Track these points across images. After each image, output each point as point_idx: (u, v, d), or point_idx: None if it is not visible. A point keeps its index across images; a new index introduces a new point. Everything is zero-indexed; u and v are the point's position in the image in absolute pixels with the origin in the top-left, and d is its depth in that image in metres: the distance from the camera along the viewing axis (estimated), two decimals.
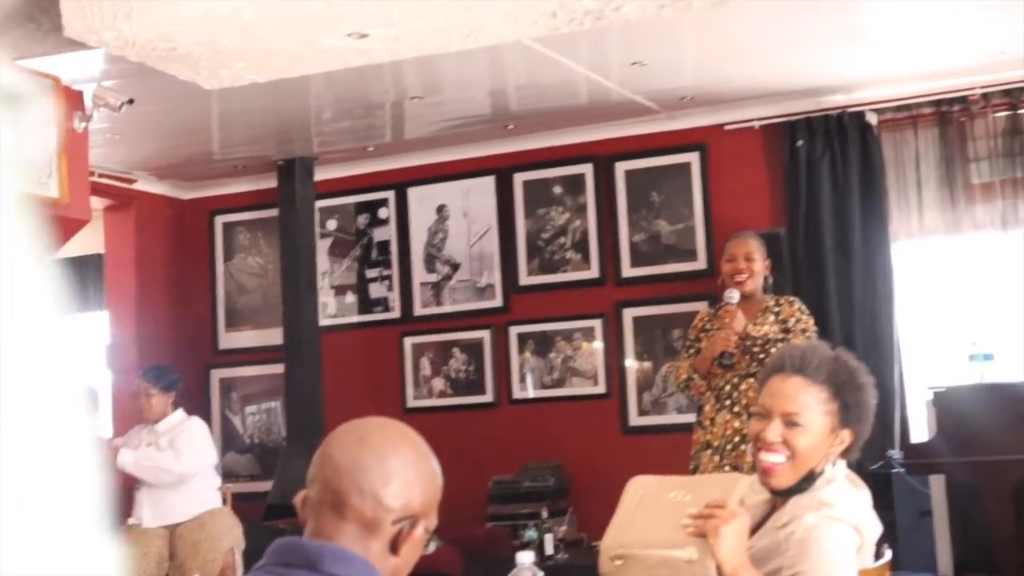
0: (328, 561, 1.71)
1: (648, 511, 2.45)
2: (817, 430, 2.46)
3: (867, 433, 2.54)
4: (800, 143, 6.84)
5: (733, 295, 4.83)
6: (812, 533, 2.37)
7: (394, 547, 1.76)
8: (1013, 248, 6.54)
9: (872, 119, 6.77)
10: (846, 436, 2.49)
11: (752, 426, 2.54)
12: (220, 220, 8.35)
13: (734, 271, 4.89)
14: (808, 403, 2.46)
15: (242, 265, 8.33)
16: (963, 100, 6.62)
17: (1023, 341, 6.37)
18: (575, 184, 7.51)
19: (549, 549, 6.35)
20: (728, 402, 4.79)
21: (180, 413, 6.03)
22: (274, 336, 7.86)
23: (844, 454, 2.54)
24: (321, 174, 7.85)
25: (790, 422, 2.45)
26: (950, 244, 6.64)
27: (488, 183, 7.70)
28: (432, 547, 1.88)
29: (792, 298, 5.00)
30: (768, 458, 2.46)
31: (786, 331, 4.79)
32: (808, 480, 2.47)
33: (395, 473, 1.76)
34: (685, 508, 2.35)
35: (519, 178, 7.64)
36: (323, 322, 7.83)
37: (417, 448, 1.83)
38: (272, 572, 1.73)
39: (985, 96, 6.58)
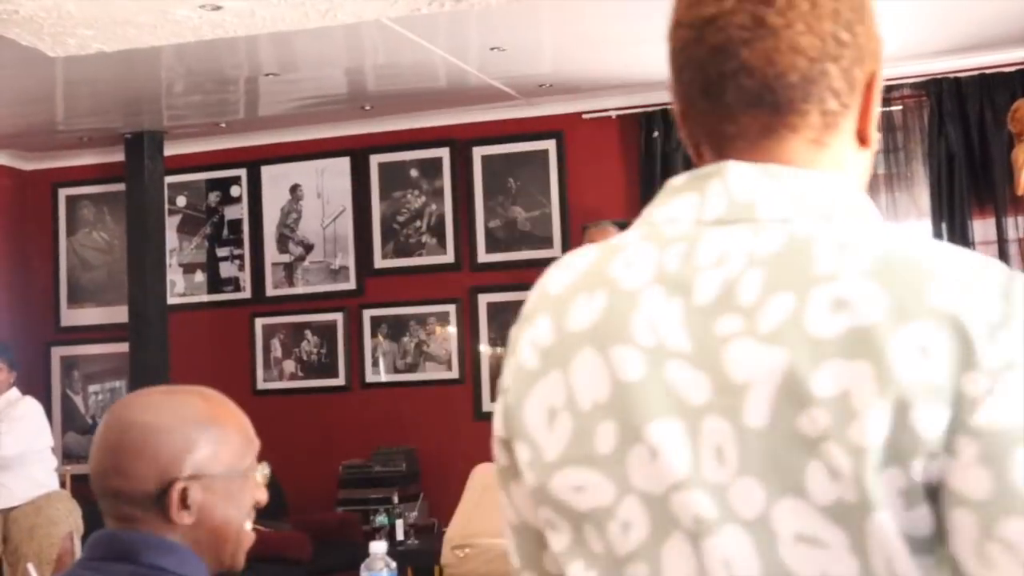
0: (144, 551, 1.67)
1: (491, 502, 2.43)
2: None
3: None
4: (656, 134, 6.92)
5: None
6: None
7: (176, 513, 1.70)
8: None
9: None
10: None
11: None
12: (63, 193, 8.08)
13: None
14: None
15: (86, 240, 8.08)
16: None
17: None
18: (432, 168, 7.46)
19: (400, 535, 6.31)
20: None
21: (15, 391, 5.80)
22: (119, 314, 7.64)
23: None
24: (171, 149, 7.64)
25: None
26: None
27: (343, 164, 7.61)
28: (260, 475, 1.82)
29: None
30: None
31: None
32: None
33: (135, 449, 1.70)
34: None
35: (375, 160, 7.57)
36: (171, 301, 7.65)
37: (146, 412, 1.74)
38: (89, 568, 1.67)
39: None
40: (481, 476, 2.54)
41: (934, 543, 0.93)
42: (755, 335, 0.96)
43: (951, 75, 6.51)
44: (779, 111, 1.05)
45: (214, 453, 1.74)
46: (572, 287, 1.08)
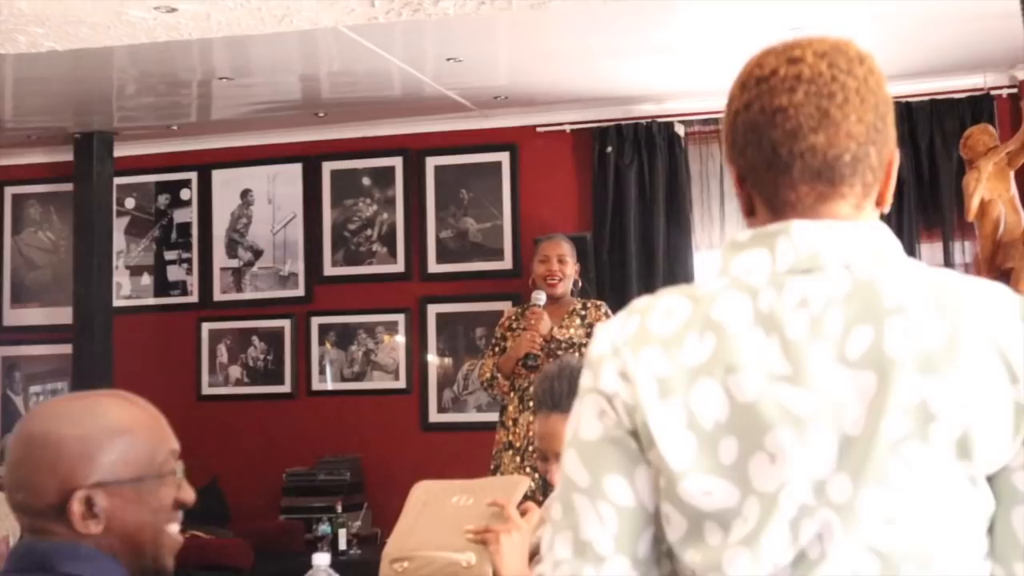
0: (60, 560, 1.65)
1: (430, 516, 2.43)
2: None
3: None
4: (609, 149, 6.93)
5: (540, 297, 4.84)
6: None
7: (81, 523, 1.68)
8: None
9: (680, 130, 6.92)
10: None
11: (539, 466, 2.55)
12: (9, 191, 7.98)
13: (547, 273, 4.90)
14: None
15: (32, 239, 7.98)
16: None
17: None
18: (384, 177, 7.44)
19: (342, 544, 6.27)
20: (531, 403, 4.81)
21: None
22: (63, 315, 7.53)
23: None
24: (121, 150, 7.56)
25: (558, 459, 2.47)
26: None
27: (295, 170, 7.57)
28: (179, 473, 1.80)
29: (599, 303, 5.05)
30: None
31: (591, 335, 4.82)
32: None
33: (35, 462, 1.68)
34: (467, 512, 2.34)
35: (327, 167, 7.53)
36: (116, 303, 7.56)
37: (48, 422, 1.71)
38: None
39: None
40: (422, 492, 2.53)
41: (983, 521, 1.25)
42: (845, 361, 1.24)
43: (902, 99, 6.57)
44: (833, 183, 1.35)
45: (121, 458, 1.71)
46: (682, 328, 1.32)
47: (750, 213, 1.42)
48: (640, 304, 1.42)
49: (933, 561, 1.22)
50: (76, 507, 1.67)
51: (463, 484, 2.49)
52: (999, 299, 1.28)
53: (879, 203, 1.42)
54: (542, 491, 4.47)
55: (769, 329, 1.28)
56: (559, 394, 2.49)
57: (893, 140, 1.42)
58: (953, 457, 1.21)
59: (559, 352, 4.75)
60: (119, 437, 1.72)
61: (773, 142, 1.35)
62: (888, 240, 1.37)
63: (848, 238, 1.33)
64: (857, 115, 1.35)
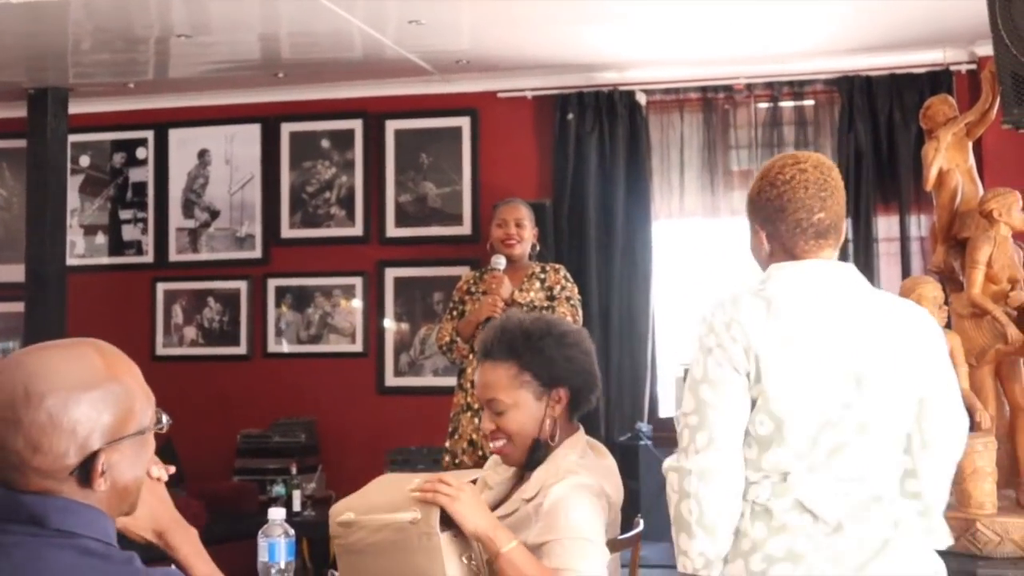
0: (53, 514, 1.60)
1: (381, 486, 2.44)
2: (522, 404, 2.49)
3: (589, 381, 2.57)
4: (570, 116, 6.92)
5: (500, 261, 4.83)
6: (560, 503, 2.38)
7: (97, 482, 1.65)
8: None
9: (641, 99, 6.91)
10: (562, 394, 2.52)
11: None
12: None
13: (505, 236, 4.88)
14: (501, 384, 2.51)
15: None
16: (728, 89, 6.84)
17: None
18: (343, 139, 7.40)
19: (297, 506, 6.27)
20: None
21: None
22: (15, 272, 7.45)
23: (575, 408, 2.57)
24: (76, 107, 7.46)
25: (494, 410, 2.51)
26: (708, 227, 6.85)
27: (254, 131, 7.51)
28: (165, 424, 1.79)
29: (557, 265, 5.05)
30: (493, 445, 2.53)
31: (551, 298, 4.82)
32: (538, 449, 2.49)
33: (50, 424, 1.61)
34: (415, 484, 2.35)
35: (286, 128, 7.47)
36: (70, 262, 7.48)
37: (49, 379, 1.63)
38: None
39: (749, 87, 6.81)
40: (384, 479, 2.55)
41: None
42: (870, 334, 2.30)
43: (863, 73, 6.61)
44: (828, 239, 2.40)
45: (125, 414, 1.67)
46: (767, 314, 2.29)
47: (771, 255, 2.43)
48: (730, 296, 2.37)
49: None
50: (99, 467, 1.63)
51: (424, 476, 2.50)
52: (923, 314, 2.42)
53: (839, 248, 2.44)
54: None
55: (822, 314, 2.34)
56: (491, 344, 2.53)
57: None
58: (904, 390, 2.30)
59: None
60: (121, 393, 1.68)
61: (797, 219, 2.37)
62: (858, 273, 2.41)
63: (845, 271, 2.39)
64: (840, 193, 2.42)
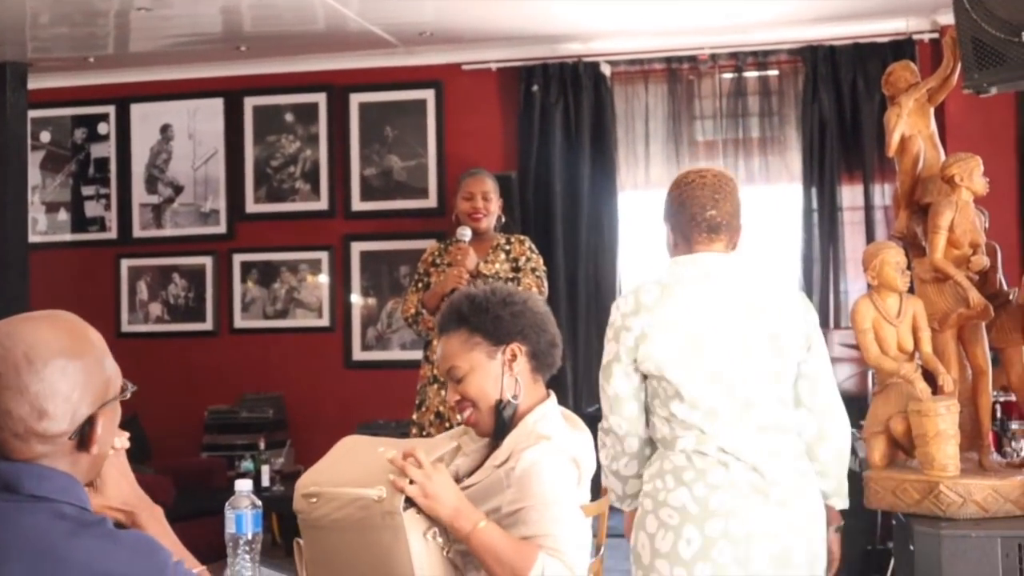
0: (27, 481, 1.62)
1: (348, 459, 2.44)
2: (477, 368, 2.50)
3: (544, 338, 2.58)
4: (535, 88, 6.91)
5: (465, 232, 4.81)
6: (533, 468, 2.39)
7: (88, 446, 1.69)
8: None
9: (606, 70, 6.91)
10: (515, 349, 2.52)
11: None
12: None
13: (472, 210, 4.86)
14: (455, 351, 2.53)
15: None
16: (692, 59, 6.84)
17: None
18: (308, 113, 7.36)
19: (266, 481, 6.26)
20: None
21: None
22: None
23: (538, 368, 2.57)
24: (35, 82, 7.37)
25: (453, 378, 2.52)
26: None
27: (216, 105, 7.46)
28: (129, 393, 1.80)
29: (522, 237, 5.04)
30: (461, 417, 2.54)
31: (516, 269, 4.82)
32: (504, 410, 2.50)
33: (45, 392, 1.64)
34: (384, 458, 2.34)
35: (249, 102, 7.43)
36: (32, 239, 7.41)
37: (44, 346, 1.66)
38: None
39: (713, 57, 6.82)
40: (349, 442, 2.54)
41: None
42: (754, 312, 2.78)
43: (826, 43, 6.63)
44: (720, 234, 2.84)
45: (107, 380, 1.72)
46: (658, 301, 2.79)
47: (675, 247, 2.90)
48: (636, 286, 2.87)
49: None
50: (97, 430, 1.68)
51: (391, 441, 2.50)
52: (799, 295, 2.96)
53: (735, 246, 2.89)
54: None
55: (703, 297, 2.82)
56: (442, 319, 2.56)
57: (741, 218, 2.90)
58: (786, 356, 2.81)
59: None
60: (101, 357, 1.71)
61: (692, 214, 2.85)
62: (749, 262, 2.89)
63: (732, 261, 2.87)
64: (735, 196, 2.89)
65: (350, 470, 2.39)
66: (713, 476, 2.70)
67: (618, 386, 2.81)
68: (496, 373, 2.52)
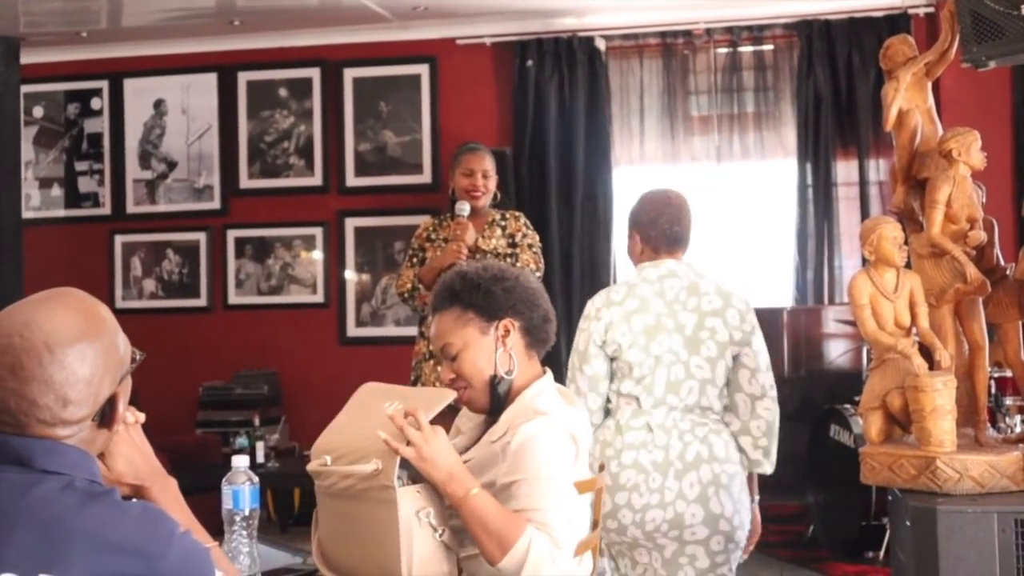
0: (40, 456, 1.63)
1: (360, 420, 2.44)
2: (471, 344, 2.50)
3: (538, 313, 2.57)
4: (530, 63, 6.89)
5: (464, 208, 4.78)
6: (528, 443, 2.38)
7: (110, 425, 1.73)
8: (726, 181, 6.82)
9: (601, 45, 6.88)
10: (508, 324, 2.52)
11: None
12: None
13: (471, 186, 4.83)
14: (448, 329, 2.52)
15: None
16: (688, 34, 6.82)
17: (731, 269, 6.69)
18: (302, 88, 7.33)
19: (260, 457, 6.26)
20: None
21: None
22: None
23: (533, 344, 2.57)
24: (28, 57, 7.31)
25: (447, 356, 2.52)
26: (668, 173, 6.86)
27: (210, 80, 7.42)
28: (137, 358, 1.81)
29: (517, 212, 5.02)
30: (460, 396, 2.53)
31: (513, 245, 4.80)
32: (499, 386, 2.49)
33: (69, 380, 1.65)
34: (388, 419, 2.35)
35: (243, 77, 7.39)
36: (26, 215, 7.36)
37: (65, 331, 1.67)
38: None
39: (708, 32, 6.79)
40: (366, 393, 2.55)
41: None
42: (686, 310, 3.33)
43: (821, 17, 6.61)
44: (679, 246, 3.43)
45: (122, 355, 1.74)
46: (624, 297, 3.35)
47: (641, 254, 3.42)
48: (609, 288, 3.45)
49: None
50: (119, 410, 1.71)
51: (403, 391, 2.49)
52: (737, 292, 3.40)
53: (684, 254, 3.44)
54: None
55: (658, 297, 3.34)
56: (435, 297, 2.55)
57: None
58: (722, 349, 3.29)
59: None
60: (113, 334, 1.73)
61: (661, 228, 3.38)
62: (695, 267, 3.43)
63: (687, 267, 3.39)
64: (688, 220, 3.43)
65: (356, 436, 2.39)
66: (636, 437, 3.29)
67: (597, 367, 3.35)
68: (489, 349, 2.51)
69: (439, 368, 4.62)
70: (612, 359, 3.35)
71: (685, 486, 3.26)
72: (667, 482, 3.26)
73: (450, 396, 2.46)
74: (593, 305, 3.39)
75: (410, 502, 2.30)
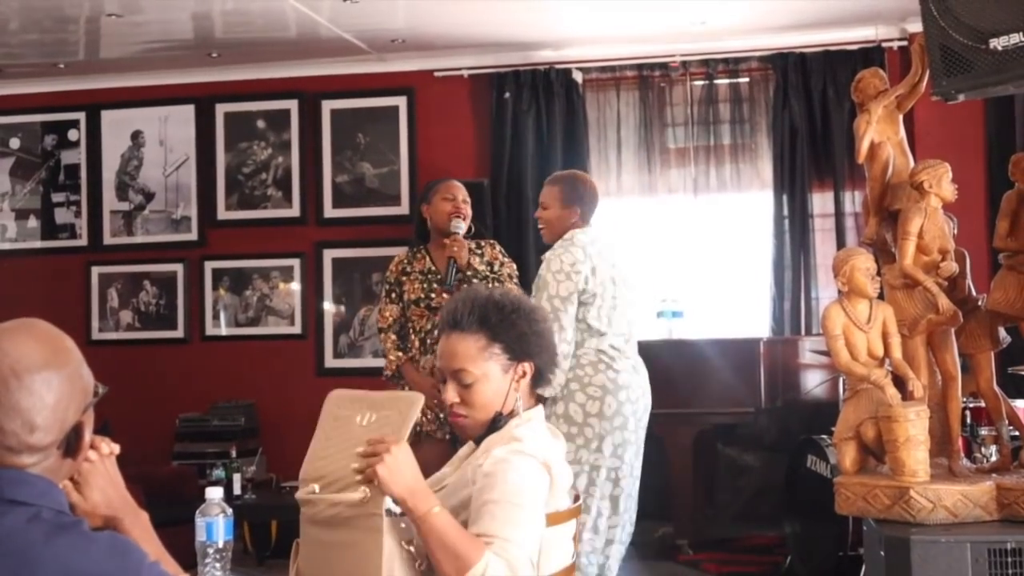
0: (6, 487, 1.64)
1: (338, 439, 2.43)
2: (490, 375, 2.49)
3: (552, 359, 2.58)
4: (507, 95, 6.92)
5: (459, 225, 4.82)
6: (499, 466, 2.38)
7: (76, 453, 1.75)
8: (702, 212, 6.86)
9: (578, 77, 6.92)
10: (527, 367, 2.52)
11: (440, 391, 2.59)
12: None
13: (454, 209, 4.86)
14: (470, 356, 2.48)
15: None
16: (664, 66, 6.86)
17: (709, 301, 6.72)
18: (279, 120, 7.34)
19: (237, 489, 6.22)
20: (432, 345, 4.77)
21: None
22: None
23: (536, 384, 2.58)
24: (5, 88, 7.35)
25: (460, 382, 2.48)
26: (645, 205, 6.89)
27: (188, 112, 7.43)
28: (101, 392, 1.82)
29: (492, 240, 5.05)
30: (455, 419, 2.51)
31: (493, 270, 4.84)
32: (497, 421, 2.50)
33: (36, 406, 1.66)
34: (366, 435, 2.34)
35: (221, 109, 7.40)
36: (2, 246, 7.38)
37: (29, 357, 1.69)
38: None
39: (684, 64, 6.84)
40: (334, 404, 2.53)
41: None
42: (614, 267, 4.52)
43: (797, 50, 6.67)
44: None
45: (86, 384, 1.75)
46: (588, 251, 4.43)
47: (574, 224, 4.47)
48: (564, 248, 4.44)
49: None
50: (85, 437, 1.73)
51: (371, 399, 2.48)
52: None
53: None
54: (448, 429, 4.48)
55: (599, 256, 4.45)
56: (461, 315, 2.52)
57: None
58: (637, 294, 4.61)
59: (474, 282, 4.75)
60: (78, 363, 1.75)
61: (595, 204, 4.60)
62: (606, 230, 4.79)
63: (602, 233, 4.58)
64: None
65: (339, 460, 2.38)
66: (617, 364, 4.31)
67: (575, 310, 4.28)
68: (504, 387, 2.50)
69: (423, 359, 4.65)
70: (582, 303, 4.39)
71: (645, 384, 4.48)
72: (639, 380, 4.44)
73: (419, 402, 2.44)
74: (570, 259, 4.33)
75: (396, 532, 2.30)
